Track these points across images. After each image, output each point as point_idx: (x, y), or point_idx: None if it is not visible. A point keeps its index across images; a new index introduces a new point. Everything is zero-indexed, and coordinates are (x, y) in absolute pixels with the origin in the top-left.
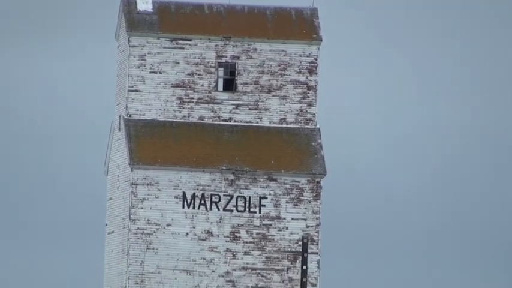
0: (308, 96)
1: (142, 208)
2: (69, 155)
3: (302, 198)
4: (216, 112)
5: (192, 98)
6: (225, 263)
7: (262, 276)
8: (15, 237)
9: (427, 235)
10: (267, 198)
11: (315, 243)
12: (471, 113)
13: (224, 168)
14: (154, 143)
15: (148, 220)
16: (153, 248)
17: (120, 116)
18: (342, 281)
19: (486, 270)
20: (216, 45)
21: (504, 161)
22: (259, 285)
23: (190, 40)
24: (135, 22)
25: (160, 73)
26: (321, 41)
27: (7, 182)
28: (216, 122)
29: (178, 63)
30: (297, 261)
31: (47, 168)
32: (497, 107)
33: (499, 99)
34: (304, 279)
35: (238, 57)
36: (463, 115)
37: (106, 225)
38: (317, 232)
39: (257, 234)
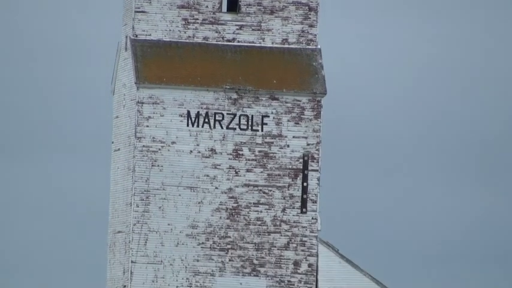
0: (309, 17)
1: (147, 126)
2: (77, 74)
3: (303, 116)
4: (220, 33)
5: (197, 19)
6: (228, 179)
7: (264, 192)
8: (27, 152)
9: (426, 149)
10: (269, 116)
11: (315, 160)
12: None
13: (227, 87)
14: (160, 63)
15: (153, 138)
16: (158, 165)
17: (126, 37)
18: (341, 197)
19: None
20: None
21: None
22: (260, 202)
23: None
24: None
25: None
26: None
27: (21, 100)
28: (220, 43)
29: None
30: (298, 178)
31: (56, 86)
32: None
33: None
34: (304, 196)
35: None
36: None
37: (112, 142)
38: (317, 150)
39: (259, 152)
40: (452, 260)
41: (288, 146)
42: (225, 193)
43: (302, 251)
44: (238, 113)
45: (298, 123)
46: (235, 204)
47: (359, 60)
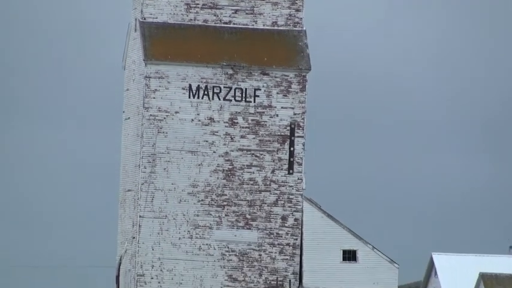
0: (296, 3)
1: (154, 98)
2: (92, 52)
3: (290, 89)
4: (217, 16)
5: (198, 4)
6: (224, 144)
7: (256, 156)
8: (47, 121)
9: (398, 110)
10: (260, 89)
11: (301, 128)
12: None
13: (224, 64)
14: (165, 42)
15: (159, 108)
16: (163, 132)
17: (136, 19)
18: (323, 160)
19: None
20: None
21: None
22: (253, 164)
23: None
24: None
25: None
26: None
27: (44, 75)
28: (217, 25)
29: None
30: (286, 143)
31: (74, 63)
32: None
33: None
34: (291, 159)
35: None
36: None
37: (123, 112)
38: (303, 119)
39: (252, 120)
40: (422, 212)
41: (277, 115)
42: (222, 156)
43: (289, 207)
44: (234, 86)
45: (286, 96)
46: (230, 166)
47: (340, 40)
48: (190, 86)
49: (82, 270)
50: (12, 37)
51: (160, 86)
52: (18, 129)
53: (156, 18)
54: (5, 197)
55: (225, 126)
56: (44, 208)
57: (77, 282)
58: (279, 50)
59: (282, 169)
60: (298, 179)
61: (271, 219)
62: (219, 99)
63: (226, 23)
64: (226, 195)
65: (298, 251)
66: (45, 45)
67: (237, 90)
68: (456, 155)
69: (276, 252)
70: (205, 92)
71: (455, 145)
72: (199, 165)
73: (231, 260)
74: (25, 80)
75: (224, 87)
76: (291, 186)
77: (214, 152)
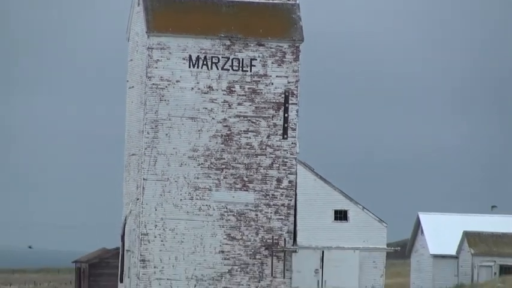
0: None
1: (156, 68)
2: (99, 24)
3: (284, 59)
4: None
5: None
6: (223, 111)
7: (252, 122)
8: (61, 88)
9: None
10: (256, 59)
11: (294, 95)
12: None
13: (222, 35)
14: (167, 15)
15: (161, 77)
16: (165, 100)
17: None
18: (315, 125)
19: None
20: None
21: None
22: (249, 129)
23: None
24: None
25: None
26: None
27: (54, 45)
28: None
29: None
30: (280, 110)
31: (82, 35)
32: None
33: None
34: (285, 125)
35: None
36: None
37: (127, 81)
38: (296, 87)
39: (248, 88)
40: (409, 175)
41: (272, 83)
42: (220, 122)
43: (283, 170)
44: (231, 57)
45: (280, 65)
46: (228, 132)
47: (331, 13)
48: (190, 56)
49: (90, 229)
50: (21, 9)
51: (162, 57)
52: (29, 99)
53: None
54: (25, 161)
55: (223, 94)
56: (55, 173)
57: (87, 240)
58: (274, 22)
59: (276, 134)
60: (292, 143)
61: (267, 182)
62: (217, 68)
63: None
64: (224, 159)
65: (292, 211)
66: (56, 18)
67: (234, 60)
68: (441, 120)
69: (271, 213)
70: (205, 62)
71: (439, 110)
72: (199, 130)
73: (229, 219)
74: (33, 52)
75: (222, 57)
76: (285, 150)
77: (213, 118)
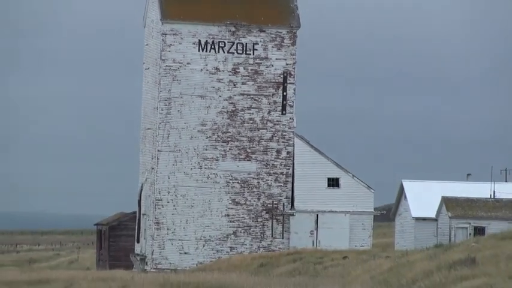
0: None
1: (169, 51)
2: (118, 11)
3: (283, 44)
4: None
5: None
6: (228, 90)
7: (255, 99)
8: (86, 68)
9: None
10: (258, 44)
11: (292, 76)
12: None
13: (228, 22)
14: (179, 5)
15: (174, 60)
16: (177, 80)
17: None
18: (311, 102)
19: None
20: None
21: None
22: (252, 106)
23: None
24: None
25: None
26: None
27: (80, 31)
28: None
29: None
30: (279, 89)
31: (103, 22)
32: None
33: None
34: (284, 102)
35: None
36: None
37: (144, 63)
38: (294, 68)
39: (251, 69)
40: (394, 146)
41: (272, 65)
42: (226, 100)
43: (282, 142)
44: (236, 41)
45: (279, 49)
46: (233, 108)
47: (325, 2)
48: (199, 41)
49: (110, 195)
50: None
51: (174, 41)
52: (57, 79)
53: None
54: (54, 134)
55: (229, 75)
56: (81, 142)
57: (107, 205)
58: (274, 11)
59: (276, 110)
60: (290, 118)
61: (268, 152)
62: (224, 52)
63: None
64: (230, 132)
65: (290, 179)
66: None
67: (238, 45)
68: (421, 97)
69: (271, 180)
70: (212, 46)
71: (419, 88)
72: (207, 107)
73: (234, 186)
74: (61, 37)
75: (228, 42)
76: (284, 125)
77: (219, 96)
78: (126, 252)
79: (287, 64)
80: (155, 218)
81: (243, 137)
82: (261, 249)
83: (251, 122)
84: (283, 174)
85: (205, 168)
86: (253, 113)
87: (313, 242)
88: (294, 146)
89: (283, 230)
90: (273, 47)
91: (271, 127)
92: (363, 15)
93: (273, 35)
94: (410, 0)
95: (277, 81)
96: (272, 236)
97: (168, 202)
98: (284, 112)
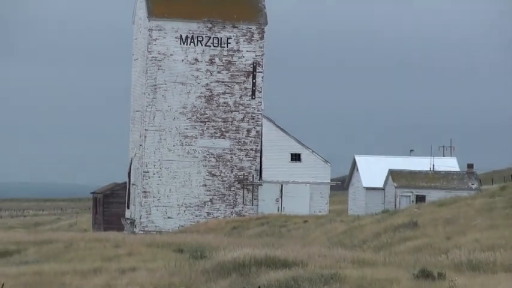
0: None
1: (155, 44)
2: (110, 10)
3: (253, 38)
4: None
5: None
6: (206, 78)
7: (228, 86)
8: (69, 61)
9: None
10: (231, 38)
11: (260, 66)
12: None
13: (206, 20)
14: (163, 4)
15: (159, 52)
16: (162, 69)
17: None
18: (276, 88)
19: None
20: None
21: None
22: (226, 92)
23: None
24: None
25: None
26: None
27: (75, 27)
28: None
29: None
30: (250, 77)
31: (96, 19)
32: None
33: None
34: (254, 88)
35: None
36: None
37: (133, 54)
38: (262, 59)
39: (225, 60)
40: (348, 125)
41: (243, 56)
42: (204, 86)
43: (252, 122)
44: (212, 36)
45: (249, 43)
46: (210, 94)
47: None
48: (181, 36)
49: (104, 168)
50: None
51: (159, 36)
52: (53, 66)
53: None
54: (54, 114)
55: (206, 65)
56: (80, 124)
57: (101, 176)
58: (245, 10)
59: (247, 95)
60: (258, 102)
61: (239, 131)
62: (202, 45)
63: None
64: (207, 114)
65: (258, 154)
66: (69, 10)
67: (214, 39)
68: (372, 82)
69: (242, 155)
70: (192, 40)
71: (371, 74)
72: (187, 92)
73: (211, 160)
74: (54, 30)
75: (205, 36)
76: (253, 108)
77: (198, 83)
78: (118, 216)
79: (256, 56)
80: (143, 187)
81: (218, 118)
82: (234, 214)
83: (225, 105)
84: (252, 150)
85: (186, 145)
86: (227, 98)
87: (278, 208)
88: (262, 126)
89: (252, 198)
90: (244, 41)
91: (242, 110)
92: (325, 13)
93: (244, 31)
94: None
95: (247, 70)
96: (243, 203)
97: (154, 174)
98: (253, 97)
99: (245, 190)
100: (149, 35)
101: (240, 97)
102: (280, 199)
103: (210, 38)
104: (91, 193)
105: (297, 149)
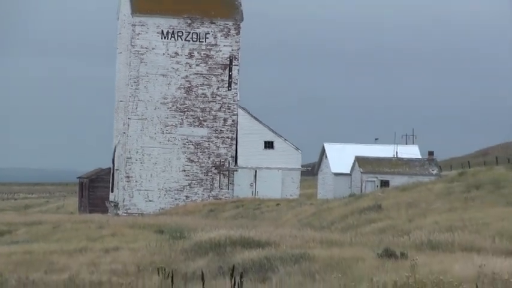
0: None
1: (138, 39)
2: (95, 6)
3: (229, 33)
4: None
5: None
6: (185, 70)
7: (206, 78)
8: (69, 55)
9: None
10: (209, 33)
11: (236, 59)
12: None
13: (185, 16)
14: (146, 1)
15: (141, 46)
16: (144, 62)
17: None
18: (251, 80)
19: None
20: None
21: None
22: (204, 83)
23: None
24: None
25: None
26: None
27: (61, 25)
28: None
29: None
30: (227, 69)
31: (82, 14)
32: None
33: None
34: (230, 80)
35: None
36: None
37: (117, 48)
38: (238, 53)
39: (204, 54)
40: (317, 115)
41: (221, 50)
42: (183, 78)
43: (228, 112)
44: (192, 31)
45: (226, 38)
46: (189, 85)
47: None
48: (162, 31)
49: (90, 154)
50: None
51: (142, 31)
52: (39, 59)
53: None
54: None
55: (186, 58)
56: (67, 113)
57: (87, 161)
58: (222, 7)
59: (224, 87)
60: (234, 93)
61: (217, 120)
62: (182, 40)
63: None
64: (186, 104)
65: (234, 142)
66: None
67: (193, 34)
68: (340, 73)
69: (219, 143)
70: (172, 35)
71: (341, 65)
72: (168, 84)
73: (190, 148)
74: (38, 22)
75: (185, 31)
76: (230, 98)
77: (178, 75)
78: (102, 200)
79: (232, 50)
80: (126, 172)
81: (197, 108)
82: (211, 197)
83: (203, 96)
84: (228, 138)
85: (167, 133)
86: (205, 89)
87: (252, 192)
88: (237, 115)
89: (228, 183)
90: (221, 36)
91: (219, 100)
92: (300, 11)
93: (221, 26)
94: None
95: (224, 63)
96: (219, 187)
97: (137, 160)
98: (230, 88)
99: (221, 175)
100: (132, 30)
101: (217, 88)
102: (254, 184)
103: (189, 33)
104: (77, 178)
105: (270, 137)
